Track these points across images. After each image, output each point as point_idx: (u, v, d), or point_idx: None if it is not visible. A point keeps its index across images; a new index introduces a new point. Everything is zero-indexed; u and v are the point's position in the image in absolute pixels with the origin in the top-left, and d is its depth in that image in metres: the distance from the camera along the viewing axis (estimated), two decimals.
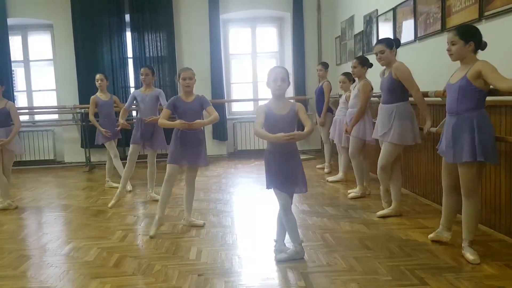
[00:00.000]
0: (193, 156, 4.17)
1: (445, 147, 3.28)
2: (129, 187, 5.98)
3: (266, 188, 3.37)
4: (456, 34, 3.14)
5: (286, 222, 3.35)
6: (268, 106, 3.32)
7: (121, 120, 5.34)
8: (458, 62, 3.25)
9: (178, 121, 4.02)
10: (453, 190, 3.40)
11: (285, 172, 3.29)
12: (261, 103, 8.99)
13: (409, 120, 4.17)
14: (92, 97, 6.26)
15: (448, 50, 3.20)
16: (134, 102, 5.41)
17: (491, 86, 3.04)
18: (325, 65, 7.14)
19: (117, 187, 5.53)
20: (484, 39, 3.16)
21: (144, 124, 5.25)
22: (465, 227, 3.28)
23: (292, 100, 3.56)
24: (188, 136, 4.12)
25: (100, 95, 6.24)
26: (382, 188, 4.56)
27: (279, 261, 3.33)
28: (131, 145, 5.38)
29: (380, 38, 5.94)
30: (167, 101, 4.46)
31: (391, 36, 5.65)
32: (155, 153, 5.49)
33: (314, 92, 7.22)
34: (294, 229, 3.36)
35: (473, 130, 3.06)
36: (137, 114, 5.45)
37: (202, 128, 4.23)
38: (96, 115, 6.26)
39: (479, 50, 3.16)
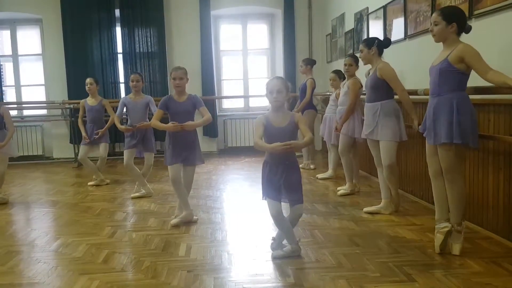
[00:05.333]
0: (187, 155, 4.19)
1: (426, 129, 3.25)
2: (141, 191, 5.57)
3: (262, 199, 3.34)
4: (439, 14, 3.12)
5: (280, 229, 3.35)
6: (267, 118, 3.28)
7: (121, 127, 5.42)
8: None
9: (170, 124, 4.05)
10: (439, 176, 3.30)
11: (281, 182, 3.25)
12: (251, 99, 9.18)
13: (394, 117, 4.17)
14: (81, 101, 6.34)
15: (431, 30, 3.18)
16: (124, 109, 5.48)
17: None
18: (307, 62, 6.94)
19: (142, 196, 5.42)
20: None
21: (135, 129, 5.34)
22: (451, 211, 3.23)
23: (291, 111, 3.51)
24: (180, 137, 4.14)
25: (88, 100, 6.28)
26: (393, 192, 4.35)
27: (275, 258, 3.31)
28: (124, 151, 5.43)
29: (370, 36, 5.97)
30: (157, 106, 4.45)
31: (381, 34, 5.68)
32: (151, 156, 5.53)
33: (299, 89, 7.17)
34: (289, 232, 3.34)
35: (452, 111, 3.03)
36: (127, 122, 5.51)
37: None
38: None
39: (463, 34, 3.13)
